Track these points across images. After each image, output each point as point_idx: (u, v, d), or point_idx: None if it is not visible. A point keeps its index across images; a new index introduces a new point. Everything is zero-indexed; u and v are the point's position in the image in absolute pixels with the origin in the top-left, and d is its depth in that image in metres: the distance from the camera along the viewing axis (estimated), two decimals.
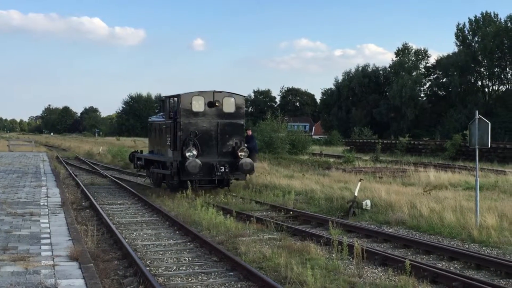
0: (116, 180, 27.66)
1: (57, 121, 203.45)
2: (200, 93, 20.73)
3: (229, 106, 21.09)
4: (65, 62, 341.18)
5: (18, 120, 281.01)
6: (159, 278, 10.03)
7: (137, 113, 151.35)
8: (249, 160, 20.59)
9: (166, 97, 22.20)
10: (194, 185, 20.15)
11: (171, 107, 21.67)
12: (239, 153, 20.66)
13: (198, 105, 20.55)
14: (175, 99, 21.27)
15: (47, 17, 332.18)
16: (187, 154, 19.69)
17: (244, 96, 22.37)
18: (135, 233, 14.48)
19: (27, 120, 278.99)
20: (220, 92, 20.99)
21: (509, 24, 78.06)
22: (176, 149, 20.40)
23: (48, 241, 11.40)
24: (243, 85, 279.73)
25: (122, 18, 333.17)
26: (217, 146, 20.73)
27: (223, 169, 20.21)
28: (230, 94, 21.31)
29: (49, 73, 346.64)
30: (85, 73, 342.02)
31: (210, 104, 20.62)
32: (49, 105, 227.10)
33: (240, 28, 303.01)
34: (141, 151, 27.01)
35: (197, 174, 19.66)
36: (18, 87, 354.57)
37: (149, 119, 26.67)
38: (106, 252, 12.16)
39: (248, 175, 21.80)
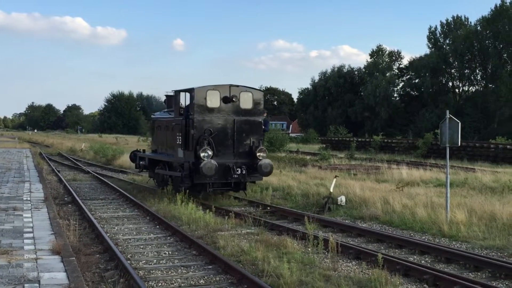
0: (98, 176, 27.51)
1: (40, 118, 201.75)
2: (215, 87, 18.28)
3: (246, 101, 18.76)
4: (48, 60, 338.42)
5: (1, 117, 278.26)
6: (140, 271, 9.99)
7: (119, 111, 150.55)
8: (268, 161, 18.48)
9: (176, 91, 19.61)
10: (208, 188, 18.09)
11: (179, 102, 19.58)
12: (258, 154, 18.35)
13: (213, 101, 18.18)
14: (187, 93, 18.95)
15: (30, 16, 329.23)
16: (202, 155, 17.34)
17: (263, 91, 19.76)
18: (116, 228, 14.41)
19: (10, 117, 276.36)
20: (237, 86, 18.62)
21: (478, 28, 78.78)
22: (188, 148, 18.08)
23: (31, 235, 11.32)
24: None
25: (104, 18, 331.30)
26: (233, 145, 18.35)
27: (239, 171, 17.94)
28: (248, 89, 18.99)
29: (32, 71, 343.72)
30: (68, 71, 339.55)
31: (226, 100, 18.27)
32: (33, 102, 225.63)
33: (219, 30, 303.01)
34: (144, 150, 24.44)
35: (212, 176, 17.41)
36: (1, 84, 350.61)
37: (153, 116, 23.95)
38: (88, 246, 12.09)
39: None
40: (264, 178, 19.36)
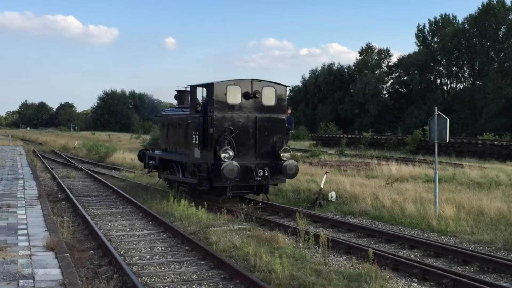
0: (91, 173, 27.44)
1: (34, 116, 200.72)
2: (236, 82, 16.74)
3: (269, 97, 17.17)
4: (41, 58, 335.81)
5: None
6: (133, 267, 9.99)
7: (112, 109, 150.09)
8: (293, 162, 17.11)
9: (192, 86, 17.97)
10: (228, 192, 16.69)
11: (194, 98, 17.96)
12: (281, 154, 16.91)
13: (234, 97, 16.61)
14: (204, 89, 17.53)
15: (22, 15, 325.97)
16: (223, 156, 15.81)
17: (286, 86, 18.21)
18: (109, 224, 14.39)
19: (4, 115, 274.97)
20: (259, 81, 17.07)
21: (466, 26, 78.95)
22: (206, 148, 16.51)
23: (25, 232, 11.30)
24: None
25: (95, 17, 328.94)
26: (255, 145, 16.84)
27: (262, 172, 16.51)
28: (271, 84, 17.42)
29: (25, 69, 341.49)
30: (60, 69, 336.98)
31: (247, 96, 16.73)
32: (26, 100, 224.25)
33: (210, 28, 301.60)
34: (153, 149, 22.80)
35: (233, 179, 15.88)
36: None
37: (164, 112, 22.38)
38: (82, 242, 12.08)
39: None
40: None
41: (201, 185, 16.83)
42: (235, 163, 15.76)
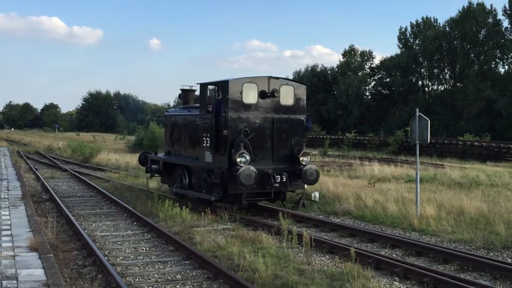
0: (76, 174, 27.29)
1: (18, 117, 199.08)
2: (252, 80, 15.25)
3: (287, 97, 15.75)
4: (25, 59, 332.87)
5: None
6: (117, 267, 9.94)
7: (96, 110, 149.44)
8: (312, 166, 15.68)
9: (202, 84, 16.56)
10: (243, 200, 15.23)
11: (204, 97, 16.63)
12: (301, 158, 15.63)
13: (250, 95, 15.18)
14: (217, 87, 16.06)
15: (6, 16, 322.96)
16: (239, 160, 14.44)
17: (305, 85, 16.90)
18: (94, 224, 14.31)
19: None
20: (277, 78, 15.68)
21: (447, 29, 79.47)
22: (219, 152, 15.04)
23: (8, 232, 11.21)
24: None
25: (80, 18, 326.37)
26: (272, 148, 15.43)
27: (279, 178, 15.16)
28: (289, 82, 16.23)
29: (10, 70, 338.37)
30: (45, 70, 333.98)
31: (263, 94, 15.31)
32: (10, 101, 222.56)
33: (195, 30, 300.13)
34: (155, 152, 21.15)
35: (250, 185, 14.48)
36: None
37: (167, 113, 20.48)
38: (66, 243, 12.00)
39: None
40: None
41: (213, 192, 15.58)
42: (252, 168, 14.38)
